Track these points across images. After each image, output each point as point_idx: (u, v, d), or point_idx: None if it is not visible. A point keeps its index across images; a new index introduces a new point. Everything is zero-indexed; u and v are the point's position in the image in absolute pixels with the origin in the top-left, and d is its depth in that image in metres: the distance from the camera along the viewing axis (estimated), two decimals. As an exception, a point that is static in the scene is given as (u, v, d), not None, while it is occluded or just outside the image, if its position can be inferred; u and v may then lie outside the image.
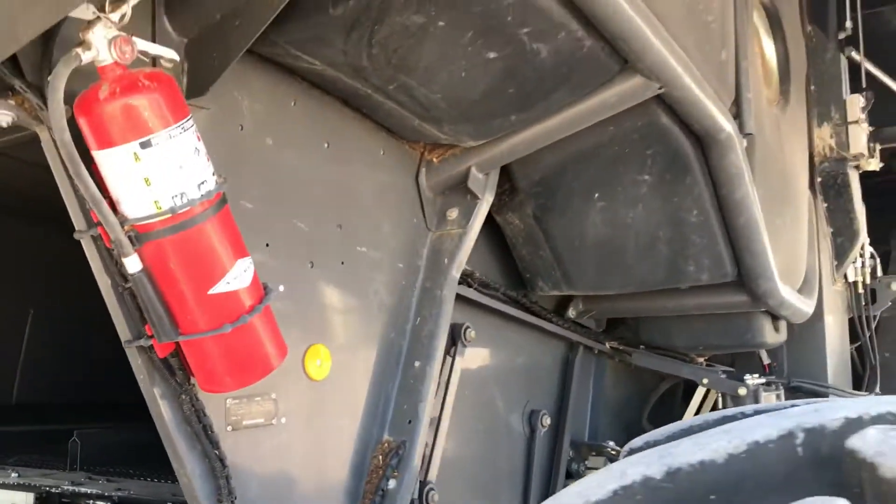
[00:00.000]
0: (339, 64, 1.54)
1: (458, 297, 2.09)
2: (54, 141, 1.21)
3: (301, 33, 1.45)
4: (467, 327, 2.10)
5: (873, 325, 3.11)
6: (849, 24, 2.82)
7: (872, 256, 3.08)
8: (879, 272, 3.11)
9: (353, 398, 1.78)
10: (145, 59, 1.25)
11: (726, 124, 1.97)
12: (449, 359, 2.07)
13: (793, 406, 1.15)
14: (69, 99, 1.19)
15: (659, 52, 1.68)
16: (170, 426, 1.40)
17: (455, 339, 2.09)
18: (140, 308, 1.31)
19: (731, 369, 2.67)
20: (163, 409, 1.39)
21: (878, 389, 2.94)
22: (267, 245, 1.60)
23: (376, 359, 1.84)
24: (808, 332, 2.75)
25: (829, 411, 1.05)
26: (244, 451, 1.51)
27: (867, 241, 3.03)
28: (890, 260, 3.85)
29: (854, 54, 2.97)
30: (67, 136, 1.18)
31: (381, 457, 1.79)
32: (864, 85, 2.88)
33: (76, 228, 1.33)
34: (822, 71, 2.82)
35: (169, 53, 1.28)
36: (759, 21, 2.51)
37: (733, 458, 0.99)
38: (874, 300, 3.06)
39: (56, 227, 2.28)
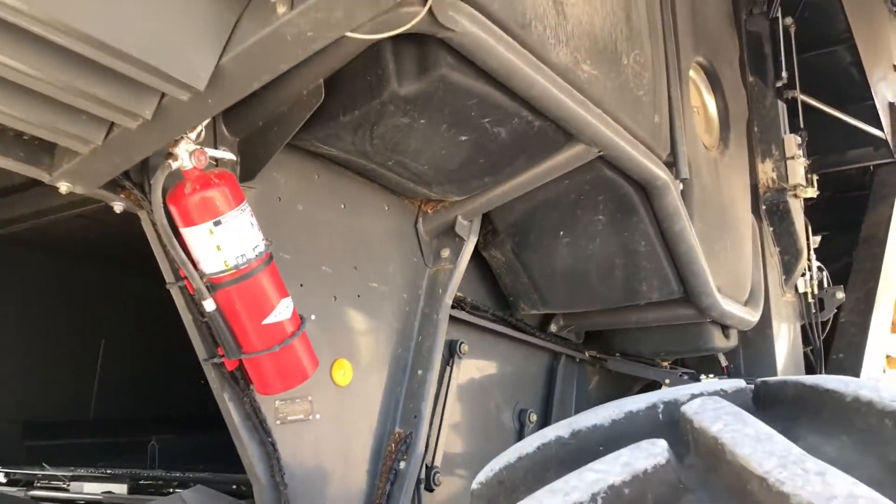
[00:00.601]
0: (350, 150, 2.07)
1: (455, 319, 2.61)
2: (153, 222, 1.75)
3: (321, 132, 1.98)
4: (461, 343, 2.62)
5: (824, 329, 3.58)
6: (785, 73, 3.31)
7: (820, 269, 3.54)
8: (826, 283, 3.57)
9: (371, 399, 2.29)
10: (213, 161, 1.78)
11: (661, 173, 2.46)
12: (448, 368, 2.59)
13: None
14: (162, 192, 1.73)
15: (595, 127, 2.17)
16: (236, 421, 1.92)
17: (452, 352, 2.61)
18: (213, 336, 1.84)
19: (692, 371, 3.15)
20: (231, 409, 1.91)
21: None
22: (301, 285, 2.12)
23: (388, 369, 2.36)
24: (759, 337, 3.22)
25: (683, 390, 1.55)
26: (289, 439, 2.03)
27: (814, 256, 3.49)
28: (851, 271, 4.31)
29: (800, 95, 3.46)
30: (164, 219, 1.71)
31: (393, 444, 2.30)
32: (801, 124, 3.36)
33: (167, 280, 1.86)
34: (764, 115, 3.30)
35: (228, 156, 1.81)
36: (699, 81, 3.01)
37: (615, 422, 1.50)
38: (822, 308, 3.52)
39: (122, 271, 2.80)
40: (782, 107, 3.35)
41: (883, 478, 1.17)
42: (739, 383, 1.53)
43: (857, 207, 4.67)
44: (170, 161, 1.68)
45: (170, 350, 2.36)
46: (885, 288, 4.07)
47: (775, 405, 1.52)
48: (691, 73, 2.90)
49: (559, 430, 1.51)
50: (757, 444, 1.19)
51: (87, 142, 1.51)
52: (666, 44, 2.58)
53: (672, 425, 1.45)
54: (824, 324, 3.61)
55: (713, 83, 3.01)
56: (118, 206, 1.80)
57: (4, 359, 3.09)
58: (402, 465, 2.26)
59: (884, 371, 4.16)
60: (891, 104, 4.53)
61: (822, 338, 3.52)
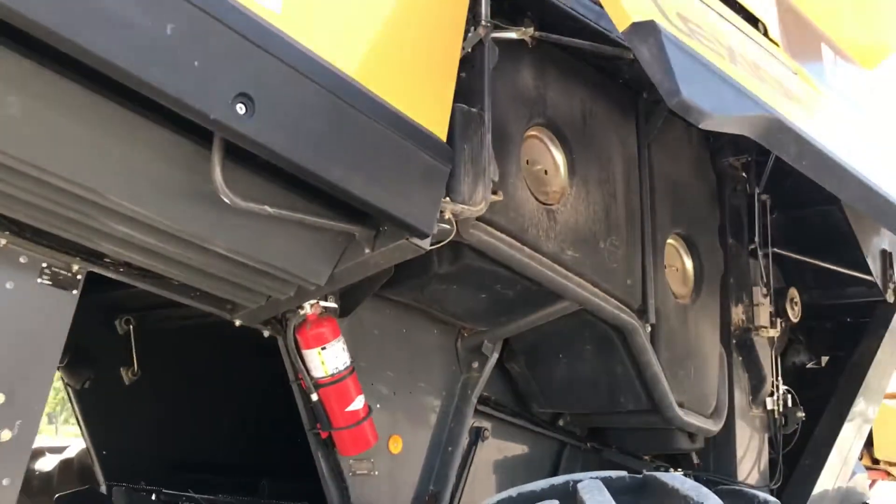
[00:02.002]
0: (409, 299, 3.21)
1: (482, 412, 3.67)
2: (287, 347, 2.89)
3: (391, 289, 3.11)
4: (485, 429, 3.66)
5: (792, 440, 4.44)
6: (758, 238, 4.28)
7: (788, 392, 4.42)
8: (792, 403, 4.43)
9: (414, 465, 3.34)
10: (324, 308, 2.92)
11: (629, 320, 3.46)
12: (474, 448, 3.64)
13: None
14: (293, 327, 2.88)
15: (575, 291, 3.21)
16: (325, 471, 3.02)
17: (478, 436, 3.65)
18: (315, 414, 2.96)
19: (667, 465, 4.07)
20: (322, 462, 3.02)
21: (772, 485, 4.27)
22: (372, 384, 3.21)
23: (428, 444, 3.40)
24: (724, 442, 4.11)
25: (591, 475, 2.55)
26: (357, 486, 3.09)
27: (780, 381, 4.38)
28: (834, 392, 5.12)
29: (773, 252, 4.42)
30: (292, 344, 2.85)
31: (427, 497, 3.35)
32: (771, 279, 4.31)
33: (290, 379, 3.00)
34: (739, 270, 4.27)
35: (333, 305, 2.95)
36: (678, 246, 4.02)
37: (543, 490, 2.51)
38: (786, 423, 4.39)
39: (257, 359, 3.93)
40: (755, 264, 4.30)
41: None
42: (622, 474, 2.53)
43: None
44: (299, 311, 2.84)
45: (284, 418, 3.46)
46: (856, 412, 4.88)
47: (645, 489, 2.50)
48: (671, 240, 3.92)
49: (511, 491, 2.55)
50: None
51: (256, 303, 2.69)
52: (643, 226, 3.63)
53: (573, 493, 2.46)
54: (792, 435, 4.47)
55: (690, 248, 4.01)
56: (266, 333, 2.96)
57: (162, 414, 4.30)
58: (434, 513, 3.31)
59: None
60: (882, 251, 5.34)
61: (787, 447, 4.38)
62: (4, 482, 2.28)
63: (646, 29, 2.00)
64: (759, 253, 4.33)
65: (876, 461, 7.63)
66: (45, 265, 2.38)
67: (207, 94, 1.87)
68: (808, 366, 5.79)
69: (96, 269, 2.51)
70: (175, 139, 2.14)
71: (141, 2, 1.74)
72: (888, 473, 7.91)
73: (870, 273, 5.11)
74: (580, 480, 2.50)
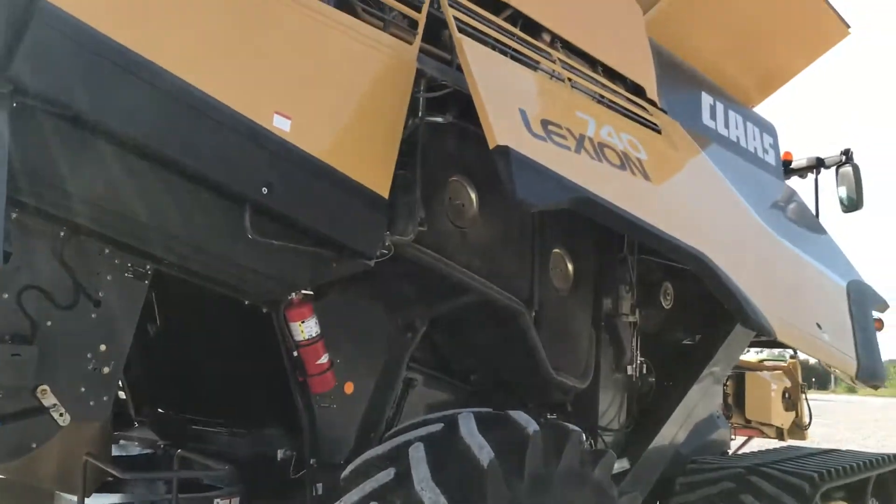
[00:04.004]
0: (364, 289, 4.66)
1: (414, 368, 5.15)
2: (278, 319, 4.32)
3: (351, 283, 4.56)
4: (414, 380, 5.14)
5: (647, 398, 6.01)
6: (625, 250, 5.78)
7: (643, 362, 5.98)
8: (647, 371, 6.00)
9: (362, 402, 4.80)
10: (304, 294, 4.36)
11: (518, 307, 4.91)
12: (405, 394, 5.12)
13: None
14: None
15: (477, 287, 4.66)
16: (300, 403, 4.47)
17: (409, 385, 5.14)
18: (295, 365, 4.41)
19: (547, 411, 5.61)
20: (299, 398, 4.47)
21: (626, 429, 5.85)
22: (335, 346, 4.66)
23: (372, 388, 4.86)
24: (590, 395, 5.67)
25: (470, 411, 4.05)
26: (322, 415, 4.56)
27: (638, 353, 5.94)
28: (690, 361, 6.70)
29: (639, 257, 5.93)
30: (282, 318, 4.29)
31: (371, 423, 4.83)
32: (633, 279, 5.82)
33: (279, 340, 4.43)
34: (609, 271, 5.77)
35: (310, 293, 4.38)
36: (563, 253, 5.51)
37: (436, 418, 4.00)
38: (642, 385, 5.96)
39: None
40: (621, 272, 5.81)
41: (501, 445, 3.61)
42: (488, 409, 4.02)
43: None
44: (288, 297, 4.27)
45: (273, 367, 4.89)
46: (704, 377, 6.47)
47: (498, 419, 3.99)
48: (557, 249, 5.41)
49: (418, 419, 4.03)
50: (470, 425, 3.68)
51: (259, 290, 4.13)
52: (533, 240, 5.11)
53: (455, 420, 3.93)
54: (647, 394, 6.04)
55: (572, 255, 5.50)
56: (265, 309, 4.40)
57: (180, 359, 5.72)
58: (372, 435, 4.80)
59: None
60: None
61: (644, 403, 5.96)
62: (104, 398, 3.72)
63: (501, 151, 3.44)
64: (629, 259, 5.84)
65: (749, 421, 9.31)
66: (129, 264, 3.79)
67: (249, 184, 3.30)
68: (685, 342, 7.39)
69: (161, 268, 3.92)
70: (223, 202, 3.53)
71: (214, 138, 3.15)
72: (761, 431, 9.61)
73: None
74: (461, 412, 4.00)
